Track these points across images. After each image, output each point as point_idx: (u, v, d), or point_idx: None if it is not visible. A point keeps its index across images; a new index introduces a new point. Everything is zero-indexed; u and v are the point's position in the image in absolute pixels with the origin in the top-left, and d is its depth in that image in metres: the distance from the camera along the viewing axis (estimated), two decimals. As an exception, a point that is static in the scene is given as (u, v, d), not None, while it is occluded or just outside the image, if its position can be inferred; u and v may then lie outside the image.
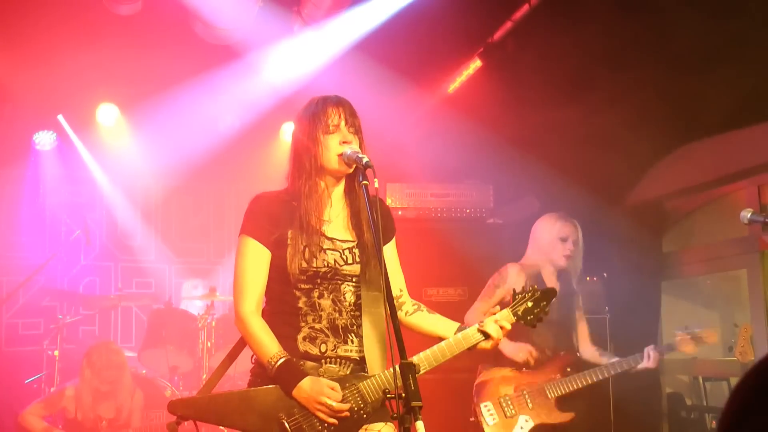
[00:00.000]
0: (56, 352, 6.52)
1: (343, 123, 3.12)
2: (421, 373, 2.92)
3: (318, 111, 3.14)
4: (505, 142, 6.48)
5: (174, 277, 8.60)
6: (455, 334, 3.12)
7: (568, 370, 5.00)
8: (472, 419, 4.98)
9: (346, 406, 2.96)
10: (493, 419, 4.89)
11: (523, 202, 6.99)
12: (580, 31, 5.31)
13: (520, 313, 3.21)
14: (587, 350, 5.23)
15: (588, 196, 6.11)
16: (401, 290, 3.32)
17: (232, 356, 3.30)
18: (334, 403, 2.93)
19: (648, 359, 4.90)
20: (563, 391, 4.94)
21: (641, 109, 5.59)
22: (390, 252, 3.32)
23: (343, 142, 3.08)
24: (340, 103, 3.17)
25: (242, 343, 3.27)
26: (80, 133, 8.22)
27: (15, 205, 8.07)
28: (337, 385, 2.98)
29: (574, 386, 4.93)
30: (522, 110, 6.39)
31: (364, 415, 3.01)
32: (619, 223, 6.40)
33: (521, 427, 4.87)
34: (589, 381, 4.93)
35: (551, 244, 5.12)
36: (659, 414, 6.46)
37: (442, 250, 5.99)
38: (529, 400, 4.94)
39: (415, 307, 3.30)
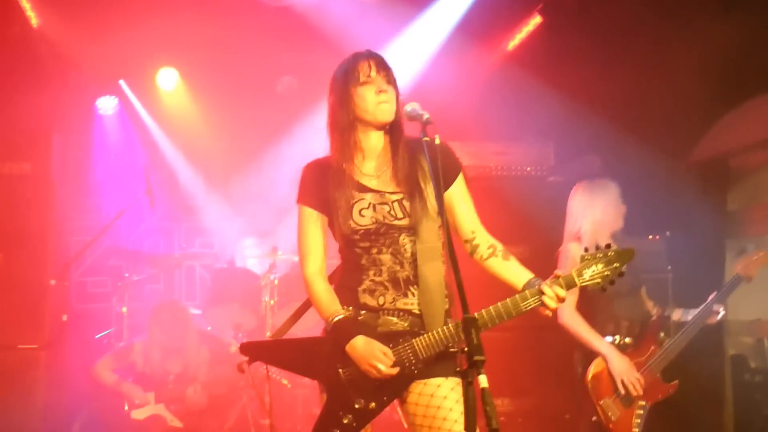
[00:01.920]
0: (124, 309, 6.72)
1: (375, 73, 3.11)
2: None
3: (349, 67, 3.14)
4: (565, 98, 6.39)
5: (236, 237, 8.73)
6: (521, 291, 3.04)
7: (662, 335, 4.78)
8: (594, 418, 4.70)
9: (395, 370, 2.99)
10: (615, 414, 4.65)
11: (584, 160, 6.90)
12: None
13: (587, 276, 3.02)
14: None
15: (650, 153, 6.00)
16: (473, 232, 3.21)
17: (299, 313, 3.46)
18: (383, 367, 2.97)
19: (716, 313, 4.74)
20: (665, 363, 4.72)
21: (706, 63, 5.45)
22: (459, 191, 3.22)
23: (380, 91, 3.08)
24: (371, 55, 3.16)
25: (308, 304, 3.38)
26: (141, 97, 8.34)
27: (81, 169, 8.24)
28: (389, 351, 3.01)
29: (676, 353, 4.71)
30: (583, 66, 6.29)
31: (415, 371, 3.04)
32: (682, 180, 6.28)
33: (640, 413, 4.66)
34: (687, 341, 4.71)
35: (605, 210, 4.85)
36: (722, 377, 6.37)
37: (502, 208, 5.95)
38: (641, 383, 4.70)
39: (490, 251, 3.18)
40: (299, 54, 7.64)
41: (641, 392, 4.62)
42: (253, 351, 3.23)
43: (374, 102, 3.08)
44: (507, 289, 3.11)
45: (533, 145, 6.48)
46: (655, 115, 6.01)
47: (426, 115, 2.96)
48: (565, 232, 4.95)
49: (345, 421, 3.04)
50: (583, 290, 4.81)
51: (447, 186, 3.19)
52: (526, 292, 3.02)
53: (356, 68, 3.11)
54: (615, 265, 3.02)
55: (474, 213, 3.25)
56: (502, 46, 7.15)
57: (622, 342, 4.79)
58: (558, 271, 3.03)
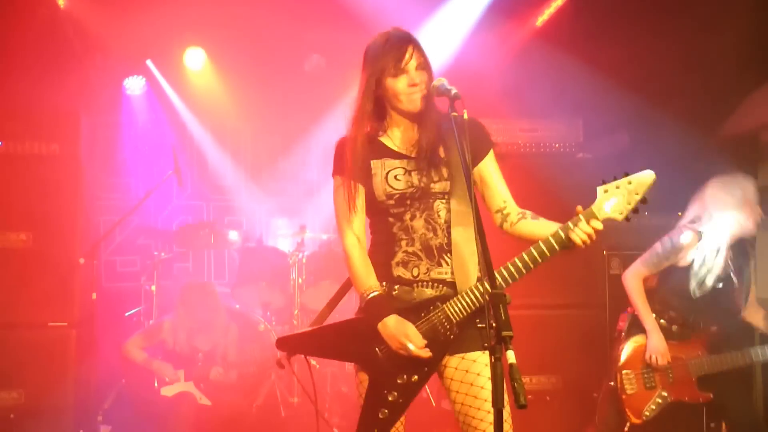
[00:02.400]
0: (153, 287, 6.78)
1: (408, 63, 3.09)
2: (510, 284, 2.93)
3: (380, 54, 3.12)
4: (594, 75, 6.31)
5: (264, 216, 8.76)
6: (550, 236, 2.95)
7: (711, 344, 4.79)
8: (612, 383, 4.83)
9: (426, 353, 2.98)
10: (633, 389, 4.75)
11: (613, 137, 6.83)
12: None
13: (608, 209, 2.91)
14: (753, 314, 4.91)
15: (679, 129, 5.92)
16: (505, 201, 3.21)
17: (337, 298, 3.46)
18: (413, 347, 2.97)
19: None
20: (705, 371, 4.75)
21: (735, 37, 5.35)
22: (490, 165, 3.23)
23: (412, 85, 3.08)
24: (402, 40, 3.13)
25: (345, 287, 3.42)
26: (168, 77, 8.39)
27: (110, 148, 8.31)
28: (419, 335, 2.99)
29: (718, 368, 4.73)
30: (611, 42, 6.21)
31: (451, 336, 3.04)
32: (713, 156, 6.19)
33: (658, 401, 4.73)
34: (732, 365, 4.72)
35: (742, 210, 4.73)
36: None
37: (531, 185, 5.88)
38: (671, 375, 4.76)
39: (520, 216, 3.17)
40: (327, 32, 7.63)
41: (662, 368, 4.67)
42: (290, 345, 3.24)
43: (405, 93, 3.09)
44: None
45: (562, 121, 6.41)
46: (684, 91, 5.94)
47: (453, 90, 2.94)
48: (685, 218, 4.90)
49: (390, 399, 3.06)
50: (670, 277, 4.80)
51: (479, 160, 3.21)
52: (551, 237, 2.92)
53: (390, 54, 3.09)
54: (636, 193, 2.92)
55: (505, 186, 3.24)
56: (530, 22, 7.08)
57: (669, 327, 4.78)
58: (578, 207, 2.94)
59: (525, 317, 5.57)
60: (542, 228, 3.08)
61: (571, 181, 5.73)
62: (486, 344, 2.48)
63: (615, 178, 2.94)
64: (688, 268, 4.79)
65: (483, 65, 6.91)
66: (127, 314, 7.12)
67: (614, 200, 2.92)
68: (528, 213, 3.19)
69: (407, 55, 3.09)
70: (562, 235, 2.92)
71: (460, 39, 7.17)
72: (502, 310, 2.45)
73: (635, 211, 2.95)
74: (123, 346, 6.00)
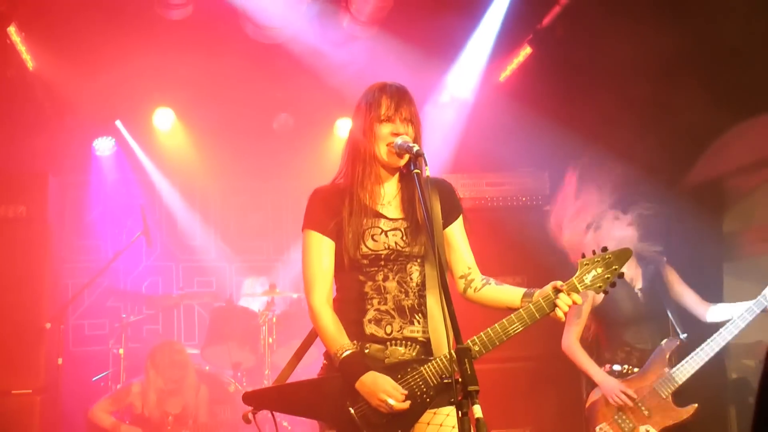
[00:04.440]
0: (121, 351, 6.68)
1: (395, 113, 3.12)
2: (489, 350, 2.94)
3: (372, 100, 3.17)
4: (559, 127, 6.41)
5: (234, 275, 8.71)
6: (522, 300, 3.05)
7: (668, 356, 4.68)
8: None
9: (406, 405, 2.95)
10: None
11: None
12: (630, 12, 5.23)
13: (588, 280, 3.04)
14: (704, 311, 4.91)
15: (645, 178, 6.01)
16: (469, 268, 3.27)
17: (299, 353, 3.40)
18: (393, 402, 2.92)
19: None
20: (676, 385, 4.62)
21: (697, 87, 5.47)
22: (457, 230, 3.29)
23: (394, 134, 3.10)
24: (395, 92, 3.18)
25: (310, 340, 3.36)
26: (138, 137, 8.39)
27: (78, 210, 8.27)
28: (399, 387, 2.97)
29: (685, 376, 4.61)
30: (574, 95, 6.31)
31: (428, 399, 3.01)
32: (678, 203, 6.28)
33: None
34: (700, 364, 4.59)
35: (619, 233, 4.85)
36: (725, 400, 6.32)
37: (499, 238, 5.97)
38: (644, 408, 4.63)
39: (484, 281, 3.23)
40: (295, 92, 7.70)
41: (630, 404, 4.60)
42: (258, 399, 3.16)
43: (387, 142, 3.11)
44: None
45: (528, 175, 6.50)
46: (647, 140, 6.03)
47: (416, 148, 2.99)
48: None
49: None
50: (600, 319, 4.84)
51: (448, 223, 3.26)
52: (531, 305, 2.99)
53: (378, 104, 3.14)
54: (614, 267, 3.06)
55: (470, 252, 3.31)
56: (494, 77, 7.19)
57: (629, 371, 4.76)
58: (557, 282, 3.02)
59: (494, 370, 5.56)
60: (507, 294, 3.13)
61: (539, 233, 5.79)
62: (452, 399, 2.47)
63: (594, 253, 3.08)
64: (608, 298, 4.79)
65: (448, 120, 7.01)
66: (94, 379, 6.99)
67: (594, 273, 3.06)
68: (491, 279, 3.25)
69: (395, 106, 3.13)
70: (544, 305, 2.98)
71: (425, 94, 7.26)
72: (467, 365, 2.45)
73: (613, 284, 3.07)
74: (90, 411, 5.88)
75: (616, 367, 4.80)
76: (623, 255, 3.07)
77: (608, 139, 6.25)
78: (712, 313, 4.92)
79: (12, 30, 6.19)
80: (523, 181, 6.50)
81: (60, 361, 5.86)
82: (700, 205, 6.29)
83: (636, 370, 4.77)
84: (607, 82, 5.86)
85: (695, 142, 6.28)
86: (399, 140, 3.06)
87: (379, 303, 3.12)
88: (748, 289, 6.49)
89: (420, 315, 3.13)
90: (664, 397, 4.64)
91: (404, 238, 3.13)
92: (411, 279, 3.14)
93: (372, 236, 3.12)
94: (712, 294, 6.28)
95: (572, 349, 4.85)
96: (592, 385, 4.84)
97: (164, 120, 8.24)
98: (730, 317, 4.66)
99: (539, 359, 6.00)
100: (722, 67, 5.37)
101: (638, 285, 4.91)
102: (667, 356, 4.72)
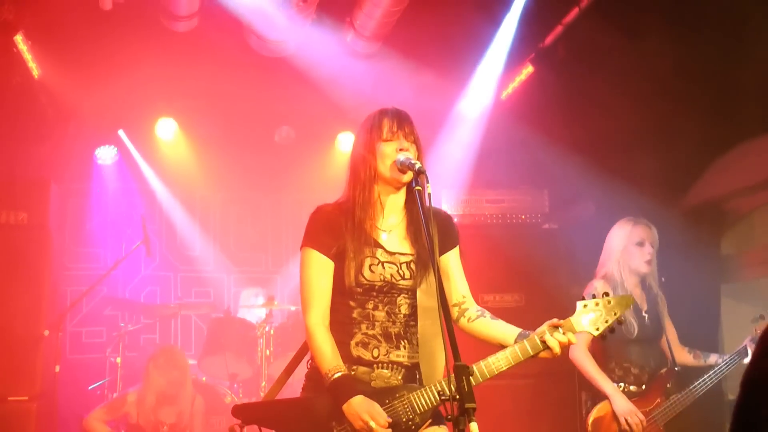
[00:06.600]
0: (118, 359, 6.67)
1: (398, 129, 3.17)
2: (480, 382, 2.93)
3: (375, 121, 3.21)
4: (558, 146, 6.45)
5: (232, 287, 8.72)
6: (515, 342, 3.03)
7: (669, 386, 4.76)
8: None
9: (387, 431, 2.93)
10: None
11: (578, 206, 6.93)
12: (631, 29, 5.27)
13: (585, 323, 3.05)
14: (680, 354, 4.98)
15: (644, 198, 6.03)
16: (464, 296, 3.29)
17: (290, 368, 3.41)
18: (374, 426, 2.90)
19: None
20: (671, 416, 4.71)
21: (696, 107, 5.51)
22: (453, 259, 3.32)
23: (400, 150, 3.12)
24: (397, 113, 3.23)
25: (301, 354, 3.39)
26: (140, 147, 8.42)
27: (79, 218, 8.28)
28: (383, 413, 2.95)
29: (680, 408, 4.72)
30: (575, 114, 6.35)
31: (413, 426, 3.03)
32: (676, 225, 6.30)
33: None
34: (694, 397, 4.73)
35: (628, 250, 4.90)
36: (722, 423, 6.32)
37: (498, 256, 5.96)
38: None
39: (479, 313, 3.23)
40: (297, 104, 7.74)
41: (639, 429, 4.58)
42: (246, 413, 3.16)
43: (392, 159, 3.13)
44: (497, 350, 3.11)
45: (528, 192, 6.52)
46: (647, 160, 6.06)
47: (418, 165, 3.01)
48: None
49: None
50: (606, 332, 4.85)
51: (445, 250, 3.29)
52: (526, 342, 3.00)
53: (381, 124, 3.18)
54: (614, 312, 3.06)
55: (466, 282, 3.33)
56: (495, 95, 7.23)
57: (627, 389, 4.77)
58: (555, 320, 3.03)
59: (491, 388, 5.55)
60: (501, 331, 3.13)
61: (538, 251, 5.82)
62: (449, 416, 2.49)
63: (594, 297, 3.08)
64: None
65: (448, 138, 7.05)
66: (90, 387, 6.99)
67: (592, 315, 3.06)
68: (487, 312, 3.25)
69: (399, 125, 3.17)
70: (538, 341, 2.98)
71: (428, 111, 7.29)
72: (465, 383, 2.46)
73: (611, 330, 3.07)
74: (84, 420, 5.86)
75: (620, 385, 4.81)
76: (624, 301, 3.09)
77: (607, 158, 6.28)
78: (682, 357, 5.02)
79: (19, 38, 6.24)
80: (523, 199, 6.51)
81: (57, 368, 5.85)
82: (698, 226, 6.32)
83: (633, 388, 4.79)
84: (608, 102, 5.90)
85: (694, 163, 6.31)
86: (402, 156, 3.09)
87: (367, 328, 3.14)
88: (745, 312, 6.52)
89: (406, 341, 3.15)
90: (660, 425, 4.70)
91: (399, 271, 3.15)
92: (399, 310, 3.16)
93: (370, 266, 3.13)
94: (709, 315, 6.31)
95: (582, 359, 4.74)
96: (592, 402, 4.80)
97: (167, 130, 8.28)
98: (698, 366, 4.89)
99: (537, 377, 5.99)
100: (722, 87, 5.40)
101: (645, 307, 4.93)
102: (666, 385, 4.78)
